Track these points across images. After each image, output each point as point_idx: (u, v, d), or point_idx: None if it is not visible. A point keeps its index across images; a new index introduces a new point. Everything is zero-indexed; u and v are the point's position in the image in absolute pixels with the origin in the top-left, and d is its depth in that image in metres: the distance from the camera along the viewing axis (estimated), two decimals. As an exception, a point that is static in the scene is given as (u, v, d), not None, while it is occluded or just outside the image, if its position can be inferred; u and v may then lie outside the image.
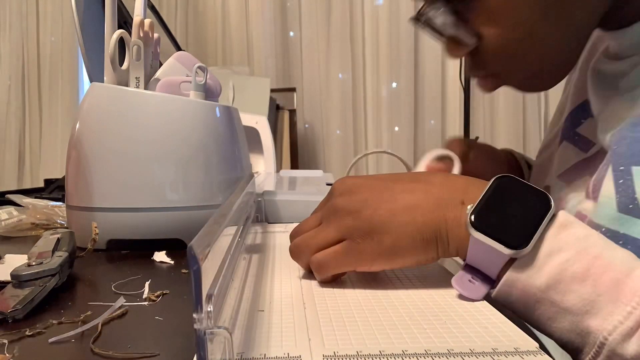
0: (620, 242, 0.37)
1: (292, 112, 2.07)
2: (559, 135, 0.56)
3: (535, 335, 0.31)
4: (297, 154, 2.11)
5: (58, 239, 0.46)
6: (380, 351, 0.26)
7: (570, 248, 0.32)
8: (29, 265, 0.40)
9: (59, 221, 0.70)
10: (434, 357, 0.26)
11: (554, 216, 0.34)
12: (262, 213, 0.67)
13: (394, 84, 2.24)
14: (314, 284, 0.39)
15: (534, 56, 0.45)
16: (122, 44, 0.59)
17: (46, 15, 2.48)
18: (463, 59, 0.49)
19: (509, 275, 0.33)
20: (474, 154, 0.62)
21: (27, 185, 2.44)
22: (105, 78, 0.60)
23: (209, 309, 0.21)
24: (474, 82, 0.70)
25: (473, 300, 0.34)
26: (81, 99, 0.61)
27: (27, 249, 0.45)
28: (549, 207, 0.34)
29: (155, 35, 0.63)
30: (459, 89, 2.09)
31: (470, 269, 0.36)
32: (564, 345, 0.33)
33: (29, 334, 0.32)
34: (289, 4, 2.33)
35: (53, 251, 0.43)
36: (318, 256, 0.38)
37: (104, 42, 0.59)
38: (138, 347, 0.30)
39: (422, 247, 0.36)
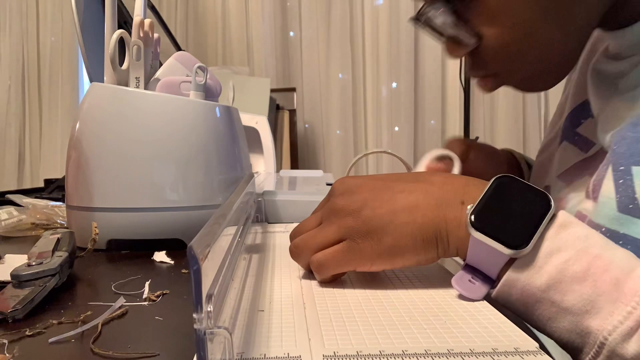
0: (620, 242, 0.37)
1: (292, 112, 2.08)
2: (559, 135, 0.56)
3: (535, 335, 0.31)
4: (297, 154, 2.11)
5: (58, 239, 0.46)
6: (380, 351, 0.26)
7: (570, 248, 0.32)
8: (29, 265, 0.40)
9: (59, 221, 0.70)
10: (434, 357, 0.26)
11: (554, 216, 0.34)
12: (262, 213, 0.67)
13: (394, 84, 2.24)
14: (314, 284, 0.39)
15: (534, 56, 0.45)
16: (122, 44, 0.59)
17: (46, 15, 2.48)
18: (463, 59, 0.48)
19: (509, 275, 0.33)
20: (474, 154, 0.62)
21: (27, 185, 2.45)
22: (105, 78, 0.60)
23: (209, 309, 0.21)
24: (474, 82, 0.70)
25: (473, 300, 0.34)
26: (81, 99, 0.61)
27: (27, 249, 0.45)
28: (549, 207, 0.34)
29: (155, 35, 0.63)
30: (459, 89, 2.09)
31: (470, 269, 0.36)
32: (564, 345, 0.33)
33: (29, 334, 0.32)
34: (289, 4, 2.33)
35: (53, 251, 0.43)
36: (318, 256, 0.38)
37: (104, 42, 0.59)
38: (138, 347, 0.30)
39: (422, 247, 0.36)
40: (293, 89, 2.20)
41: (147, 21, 0.60)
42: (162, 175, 0.57)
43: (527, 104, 2.13)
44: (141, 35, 0.60)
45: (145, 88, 0.60)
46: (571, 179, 0.50)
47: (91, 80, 0.72)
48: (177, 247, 0.56)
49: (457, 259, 0.38)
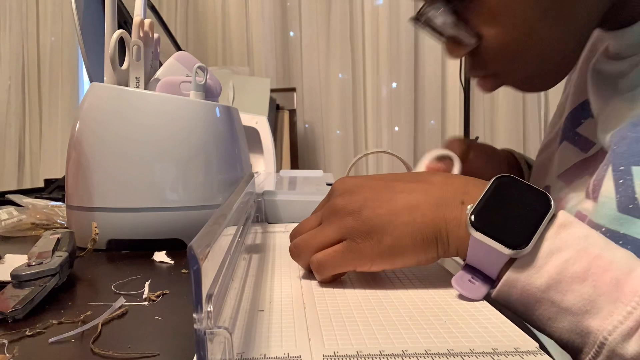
0: (620, 242, 0.37)
1: (292, 112, 2.07)
2: (559, 135, 0.56)
3: (535, 335, 0.31)
4: (297, 154, 2.11)
5: (58, 239, 0.46)
6: (380, 351, 0.26)
7: (570, 248, 0.32)
8: (29, 265, 0.40)
9: (59, 221, 0.70)
10: (434, 357, 0.26)
11: (554, 216, 0.34)
12: (262, 213, 0.67)
13: (394, 84, 2.24)
14: (314, 284, 0.39)
15: (534, 56, 0.45)
16: (122, 44, 0.59)
17: (46, 15, 2.48)
18: (463, 59, 0.49)
19: (509, 275, 0.33)
20: (474, 154, 0.62)
21: (27, 185, 2.45)
22: (105, 78, 0.60)
23: (209, 309, 0.21)
24: (474, 82, 0.70)
25: (473, 300, 0.34)
26: (81, 99, 0.61)
27: (27, 249, 0.45)
28: (549, 207, 0.34)
29: (155, 35, 0.63)
30: (459, 89, 2.09)
31: (470, 269, 0.36)
32: (564, 345, 0.33)
33: (29, 334, 0.32)
34: (289, 4, 2.33)
35: (53, 251, 0.43)
36: (318, 256, 0.38)
37: (104, 42, 0.59)
38: (138, 347, 0.30)
39: (422, 247, 0.36)
40: (293, 89, 2.19)
41: (147, 21, 0.60)
42: (162, 175, 0.57)
43: (527, 104, 2.13)
44: (141, 35, 0.60)
45: (145, 88, 0.60)
46: (571, 179, 0.50)
47: (91, 80, 0.72)
48: (177, 247, 0.56)
49: (457, 259, 0.38)
